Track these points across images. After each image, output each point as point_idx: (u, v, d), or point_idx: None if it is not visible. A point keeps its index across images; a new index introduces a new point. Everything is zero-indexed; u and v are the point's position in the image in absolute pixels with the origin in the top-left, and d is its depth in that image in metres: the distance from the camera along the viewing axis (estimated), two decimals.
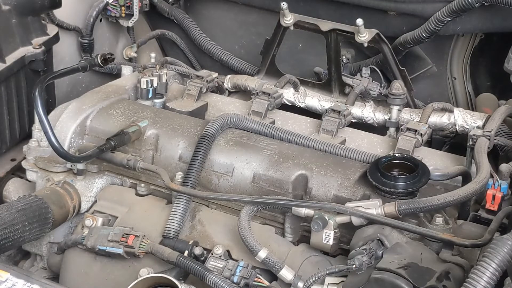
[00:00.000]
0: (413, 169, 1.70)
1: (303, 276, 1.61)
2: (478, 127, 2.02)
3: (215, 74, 2.29)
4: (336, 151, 1.87)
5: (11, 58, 2.14)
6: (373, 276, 1.41)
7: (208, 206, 1.88)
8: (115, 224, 1.85)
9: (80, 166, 1.94)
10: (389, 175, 1.69)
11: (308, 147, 1.90)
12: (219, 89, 2.35)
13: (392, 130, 2.15)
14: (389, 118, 2.15)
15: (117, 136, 1.92)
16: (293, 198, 1.78)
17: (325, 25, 2.24)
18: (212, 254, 1.69)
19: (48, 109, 2.11)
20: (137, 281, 1.54)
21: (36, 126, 2.02)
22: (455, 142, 2.16)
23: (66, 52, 2.48)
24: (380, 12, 2.33)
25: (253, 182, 1.84)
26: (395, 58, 2.23)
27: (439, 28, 2.22)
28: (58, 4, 2.31)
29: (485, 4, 2.13)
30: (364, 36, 2.18)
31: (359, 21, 2.13)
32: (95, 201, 1.96)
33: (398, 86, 2.13)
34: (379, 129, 2.17)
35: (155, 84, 2.19)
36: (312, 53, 2.51)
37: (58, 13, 2.40)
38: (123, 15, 2.55)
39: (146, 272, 1.61)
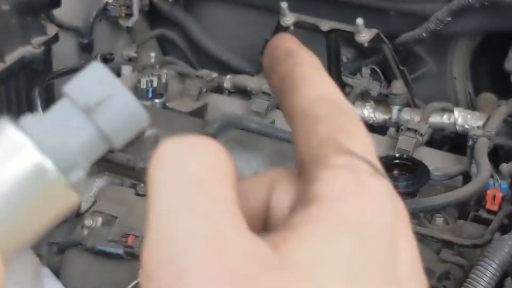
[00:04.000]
0: (413, 169, 1.70)
1: None
2: (478, 127, 2.02)
3: (215, 74, 2.29)
4: None
5: (10, 58, 2.13)
6: None
7: None
8: (114, 224, 1.85)
9: None
10: (389, 175, 1.69)
11: None
12: (218, 89, 2.35)
13: (392, 130, 2.14)
14: (389, 118, 2.14)
15: None
16: None
17: (325, 25, 2.23)
18: None
19: (48, 109, 2.10)
20: (138, 281, 1.54)
21: None
22: (455, 142, 2.16)
23: (66, 52, 2.47)
24: (380, 12, 2.32)
25: None
26: (395, 58, 2.23)
27: (439, 28, 2.22)
28: (57, 4, 2.31)
29: (486, 4, 2.13)
30: (364, 36, 2.17)
31: (359, 21, 2.13)
32: (95, 201, 1.96)
33: (398, 86, 2.12)
34: (379, 129, 2.17)
35: (155, 84, 2.19)
36: (312, 53, 2.50)
37: (57, 13, 2.40)
38: (123, 15, 2.54)
39: None
